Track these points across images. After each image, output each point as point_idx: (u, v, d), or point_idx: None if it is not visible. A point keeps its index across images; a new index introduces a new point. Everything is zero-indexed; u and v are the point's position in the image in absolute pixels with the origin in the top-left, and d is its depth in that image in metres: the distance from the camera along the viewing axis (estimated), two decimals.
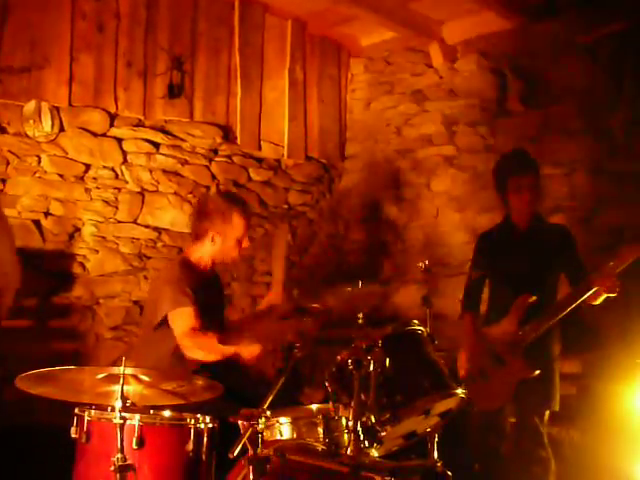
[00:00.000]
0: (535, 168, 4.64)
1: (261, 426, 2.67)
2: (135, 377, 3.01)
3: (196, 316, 4.05)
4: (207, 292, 4.25)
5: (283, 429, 3.21)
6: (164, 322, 4.10)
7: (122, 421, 2.87)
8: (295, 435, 3.20)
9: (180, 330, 4.04)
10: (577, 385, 5.17)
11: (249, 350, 4.12)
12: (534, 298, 4.41)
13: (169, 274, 4.29)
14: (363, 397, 2.89)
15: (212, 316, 4.23)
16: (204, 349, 4.05)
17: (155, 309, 4.15)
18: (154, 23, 5.73)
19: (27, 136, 5.13)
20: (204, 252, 4.32)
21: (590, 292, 4.21)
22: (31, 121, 5.11)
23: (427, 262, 3.60)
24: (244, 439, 2.63)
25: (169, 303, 4.07)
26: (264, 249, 6.23)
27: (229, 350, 4.07)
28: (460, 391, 3.13)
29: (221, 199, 4.35)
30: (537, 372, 4.31)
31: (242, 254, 4.49)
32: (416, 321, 3.28)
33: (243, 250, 4.40)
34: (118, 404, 2.87)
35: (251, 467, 2.57)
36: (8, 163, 5.10)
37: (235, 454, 2.75)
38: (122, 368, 2.88)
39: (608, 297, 4.25)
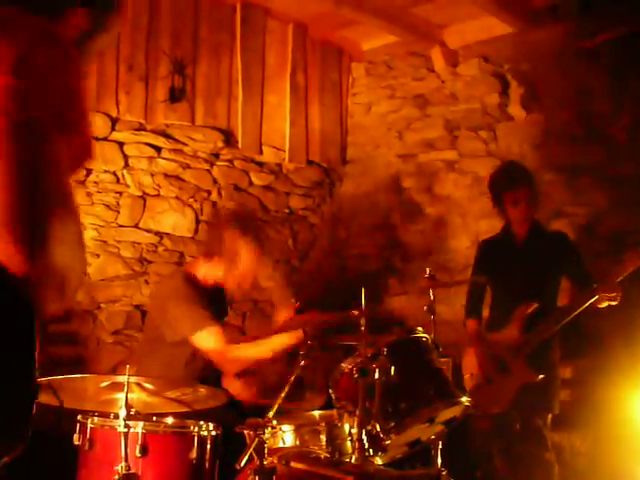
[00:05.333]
0: (529, 180, 4.75)
1: (267, 436, 2.66)
2: (139, 385, 3.00)
3: (222, 332, 4.05)
4: (211, 306, 4.18)
5: (285, 437, 3.20)
6: (180, 342, 4.05)
7: (126, 429, 2.87)
8: (298, 442, 3.19)
9: (215, 348, 4.01)
10: (576, 391, 5.17)
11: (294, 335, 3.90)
12: (535, 305, 4.47)
13: (176, 292, 4.18)
14: (368, 405, 2.89)
15: None
16: (252, 354, 4.07)
17: (172, 329, 4.09)
18: (156, 27, 5.71)
19: None
20: (212, 275, 4.26)
21: (592, 300, 4.28)
22: None
23: (431, 269, 3.61)
24: (250, 449, 2.62)
25: (190, 325, 4.02)
26: (265, 254, 6.21)
27: (283, 343, 3.98)
28: (465, 399, 3.13)
29: (236, 236, 4.19)
30: (541, 376, 4.35)
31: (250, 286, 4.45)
32: (420, 328, 3.28)
33: (252, 282, 4.37)
34: (122, 412, 2.86)
35: (257, 478, 2.56)
36: None
37: (242, 465, 2.74)
38: (127, 376, 2.87)
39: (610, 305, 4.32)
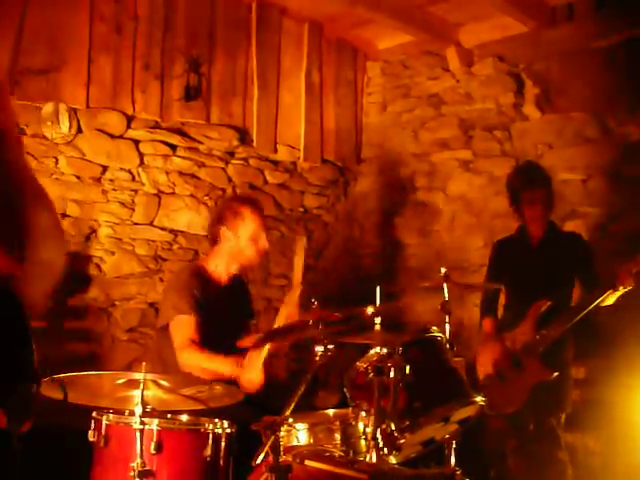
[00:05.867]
0: (547, 181, 4.76)
1: (283, 434, 2.67)
2: (155, 382, 3.02)
3: (196, 327, 3.94)
4: (223, 304, 4.16)
5: (300, 435, 3.21)
6: (167, 328, 4.03)
7: (142, 426, 2.88)
8: (312, 441, 3.19)
9: (178, 341, 3.93)
10: (590, 390, 5.16)
11: (249, 379, 3.82)
12: (549, 304, 4.48)
13: (177, 280, 4.22)
14: (382, 404, 2.89)
15: (228, 329, 4.10)
16: (198, 365, 3.87)
17: (159, 314, 4.12)
18: (172, 26, 5.73)
19: (45, 137, 5.13)
20: (221, 257, 4.25)
21: (605, 295, 4.28)
22: (49, 122, 5.12)
23: (446, 268, 3.61)
24: (266, 447, 2.63)
25: (170, 311, 4.00)
26: (279, 252, 6.24)
27: (225, 372, 3.85)
28: (479, 399, 3.12)
29: (232, 198, 4.32)
30: (555, 374, 4.35)
31: (262, 257, 4.40)
32: (435, 327, 3.28)
33: (261, 251, 4.31)
34: (138, 409, 2.88)
35: (273, 476, 2.57)
36: None
37: (258, 462, 2.75)
38: (143, 373, 2.88)
39: (623, 295, 4.30)
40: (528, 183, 4.71)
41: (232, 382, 3.75)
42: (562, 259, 4.65)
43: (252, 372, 3.82)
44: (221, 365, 3.88)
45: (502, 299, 4.94)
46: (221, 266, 4.26)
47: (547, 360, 4.43)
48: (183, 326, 3.94)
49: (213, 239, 4.29)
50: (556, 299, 4.53)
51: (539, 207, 4.69)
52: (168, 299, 4.10)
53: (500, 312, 4.91)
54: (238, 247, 4.21)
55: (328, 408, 3.73)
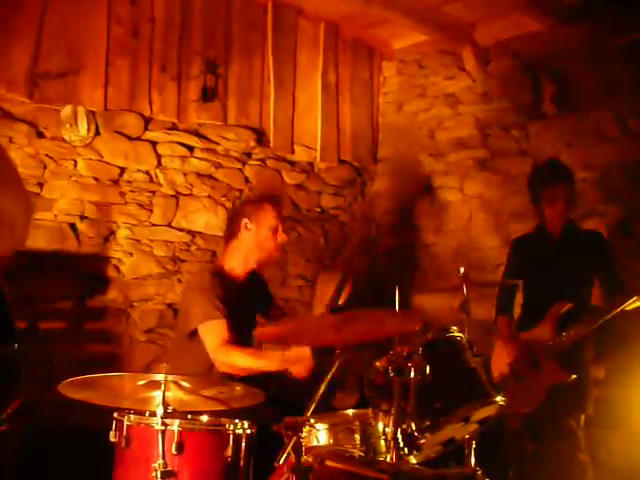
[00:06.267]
0: (569, 177, 4.70)
1: (305, 435, 2.68)
2: (176, 383, 3.03)
3: (227, 329, 4.00)
4: (241, 303, 4.19)
5: (320, 435, 3.21)
6: (196, 333, 4.07)
7: (164, 427, 2.90)
8: (332, 441, 3.19)
9: (212, 344, 3.99)
10: (610, 391, 5.14)
11: (298, 368, 3.93)
12: (570, 305, 4.44)
13: (199, 283, 4.22)
14: (403, 404, 2.89)
15: (247, 324, 4.18)
16: (236, 364, 3.96)
17: (186, 319, 4.14)
18: (188, 27, 5.75)
19: (64, 140, 5.16)
20: (239, 252, 4.29)
21: (631, 301, 4.23)
22: (68, 125, 5.14)
23: (465, 268, 3.61)
24: (289, 448, 2.63)
25: (199, 315, 4.04)
26: (297, 253, 6.25)
27: (271, 366, 3.96)
28: (499, 398, 3.12)
29: (251, 200, 4.40)
30: (573, 376, 4.32)
31: (280, 251, 4.44)
32: (455, 327, 3.28)
33: (280, 244, 4.36)
34: (160, 410, 2.89)
35: (295, 476, 2.58)
36: (45, 167, 5.13)
37: (280, 463, 2.75)
38: (164, 374, 2.90)
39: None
40: (549, 180, 4.66)
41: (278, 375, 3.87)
42: (582, 258, 4.60)
43: (300, 360, 3.90)
44: (267, 360, 3.98)
45: (519, 298, 4.92)
46: (239, 263, 4.30)
47: (566, 360, 4.40)
48: (215, 329, 4.00)
49: (232, 233, 4.32)
50: (575, 298, 4.50)
51: (560, 204, 4.65)
52: (195, 304, 4.09)
53: (516, 311, 4.88)
54: (258, 238, 4.26)
55: (346, 409, 3.73)
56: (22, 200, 1.60)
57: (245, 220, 4.26)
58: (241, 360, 3.95)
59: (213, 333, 4.00)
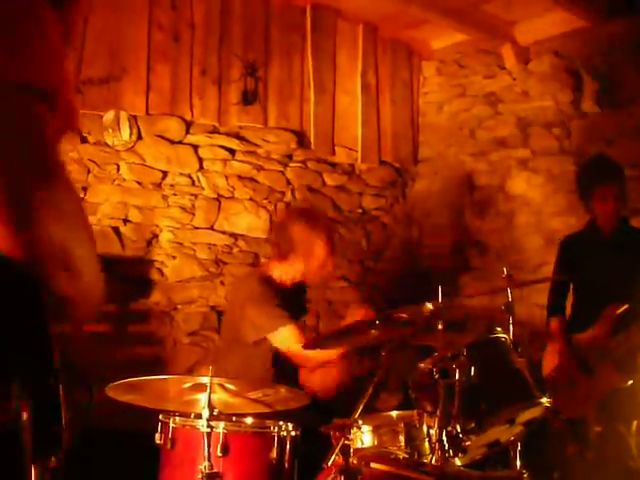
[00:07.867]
0: (620, 175, 4.58)
1: (352, 436, 2.68)
2: (221, 386, 3.05)
3: (300, 331, 4.15)
4: (289, 307, 4.26)
5: (364, 437, 3.21)
6: (261, 341, 4.16)
7: (209, 429, 2.92)
8: (376, 443, 3.20)
9: (292, 347, 4.09)
10: None
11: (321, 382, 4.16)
12: (627, 307, 4.32)
13: (253, 293, 4.27)
14: (448, 406, 2.89)
15: None
16: (318, 357, 4.13)
17: (250, 328, 4.17)
18: (228, 31, 5.78)
19: (107, 145, 5.22)
20: (286, 272, 4.35)
21: None
22: (110, 130, 5.20)
23: (508, 268, 3.58)
24: (337, 449, 2.64)
25: (269, 324, 4.13)
26: (338, 254, 6.25)
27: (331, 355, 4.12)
28: (545, 400, 3.10)
29: (305, 229, 4.28)
30: (630, 382, 4.22)
31: (326, 279, 4.54)
32: (499, 328, 3.26)
33: (326, 276, 4.46)
34: (205, 413, 2.91)
35: (343, 477, 2.59)
36: (89, 172, 5.19)
37: (329, 464, 2.76)
38: (210, 377, 2.92)
39: None
40: (600, 178, 4.55)
41: None
42: (636, 256, 4.51)
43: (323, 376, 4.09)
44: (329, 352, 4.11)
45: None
46: (287, 277, 4.38)
47: (621, 364, 4.31)
48: (289, 335, 4.12)
49: (281, 254, 4.35)
50: (629, 299, 4.37)
51: (612, 203, 4.53)
52: (259, 314, 4.16)
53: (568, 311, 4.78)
54: (307, 268, 4.33)
55: (389, 410, 3.73)
56: (84, 240, 1.45)
57: (293, 255, 4.30)
58: (319, 352, 4.08)
59: (289, 338, 4.11)
